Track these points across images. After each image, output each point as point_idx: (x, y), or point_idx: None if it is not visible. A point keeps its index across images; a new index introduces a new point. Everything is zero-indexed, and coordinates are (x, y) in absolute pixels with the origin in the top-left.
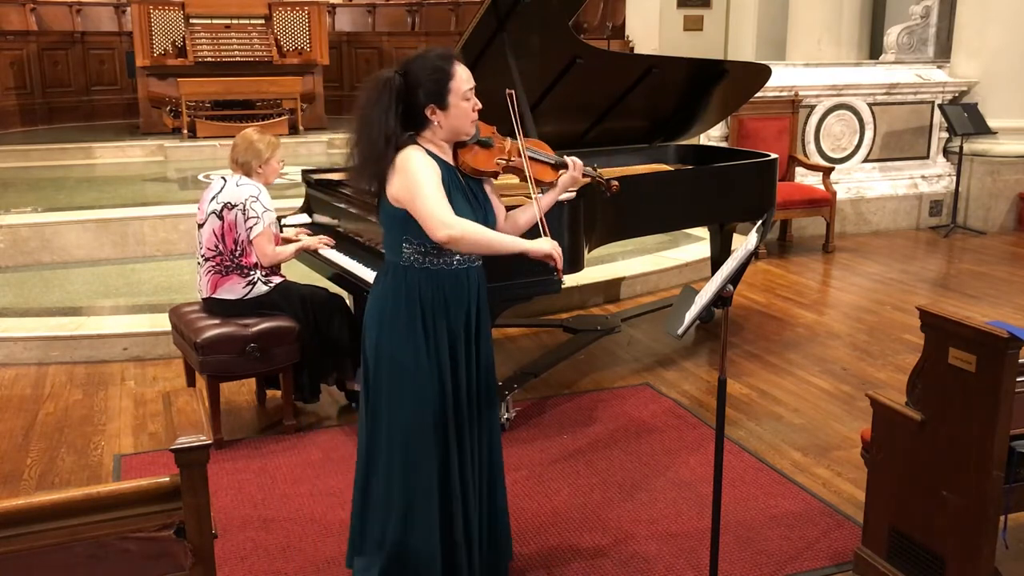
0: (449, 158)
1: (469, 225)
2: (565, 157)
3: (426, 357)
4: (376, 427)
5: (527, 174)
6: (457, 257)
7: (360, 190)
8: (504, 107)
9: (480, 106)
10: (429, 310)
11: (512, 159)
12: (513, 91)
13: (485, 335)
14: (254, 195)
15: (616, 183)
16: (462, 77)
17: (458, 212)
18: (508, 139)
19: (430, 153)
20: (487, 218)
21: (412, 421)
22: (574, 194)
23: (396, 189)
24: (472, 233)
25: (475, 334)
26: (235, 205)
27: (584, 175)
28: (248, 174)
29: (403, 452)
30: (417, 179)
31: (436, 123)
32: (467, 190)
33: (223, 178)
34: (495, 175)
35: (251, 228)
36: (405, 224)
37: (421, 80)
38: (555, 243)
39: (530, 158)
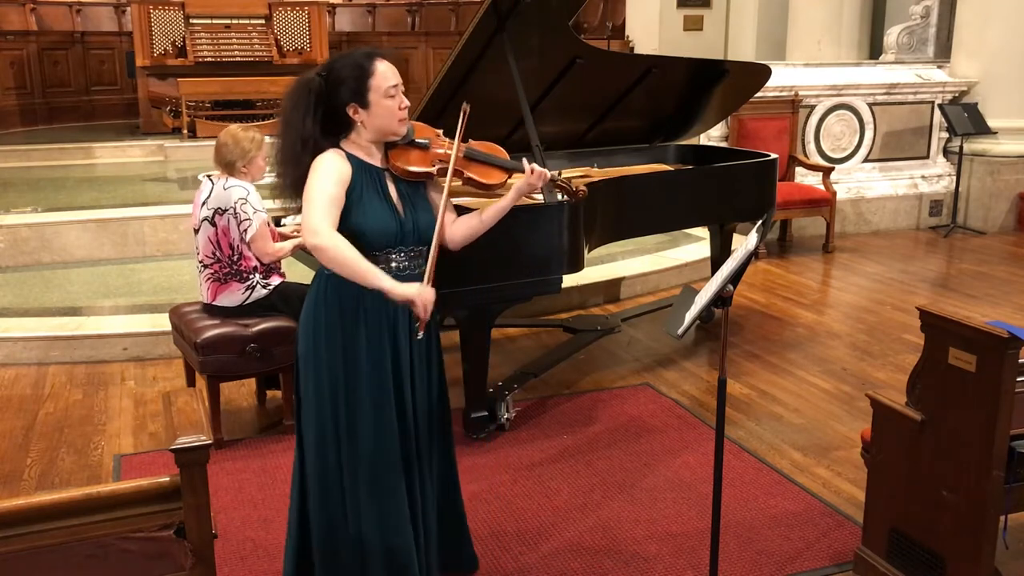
0: (376, 160)
1: (339, 241)
2: (525, 163)
3: (342, 372)
4: (298, 436)
5: (449, 172)
6: (382, 267)
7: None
8: (501, 108)
9: (407, 104)
10: (351, 320)
11: (446, 162)
12: (468, 106)
13: (425, 353)
14: (243, 197)
15: (584, 189)
16: (384, 74)
17: (367, 212)
18: (448, 140)
19: (350, 156)
20: (418, 221)
21: (316, 440)
22: None
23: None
24: (336, 249)
25: (410, 352)
26: (226, 210)
27: (552, 181)
28: (232, 174)
29: (312, 478)
30: (311, 183)
31: (359, 123)
32: (388, 191)
33: (210, 179)
34: (429, 176)
35: (245, 231)
36: None
37: (342, 79)
38: (424, 291)
39: (477, 160)
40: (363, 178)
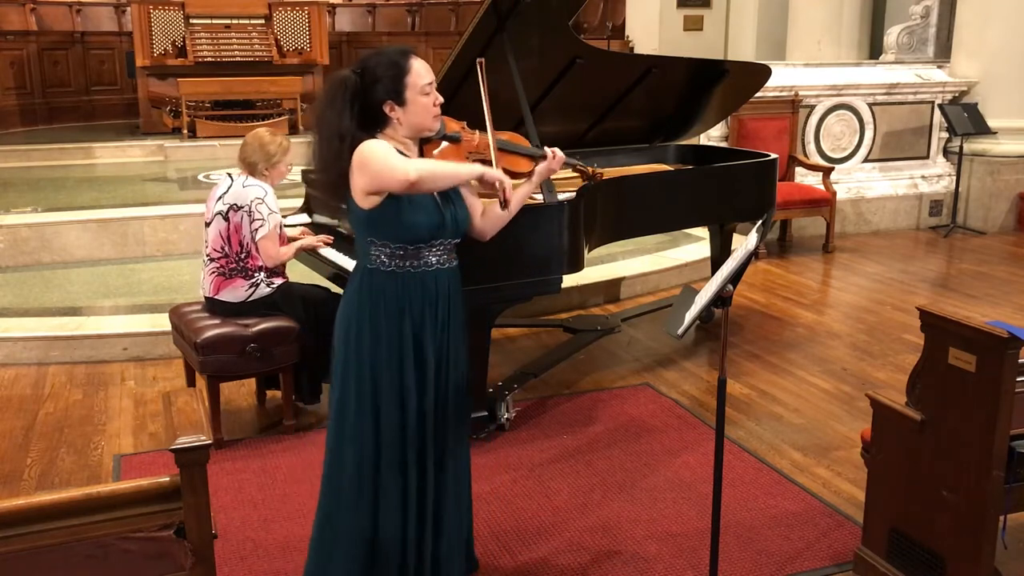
0: (413, 154)
1: (422, 163)
2: (545, 148)
3: (386, 367)
4: (330, 434)
5: (492, 165)
6: (424, 260)
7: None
8: (501, 108)
9: (441, 100)
10: (395, 315)
11: (482, 152)
12: (483, 59)
13: (456, 344)
14: (260, 197)
15: (600, 171)
16: (419, 72)
17: (417, 206)
18: (478, 133)
19: None
20: (456, 215)
21: (361, 438)
22: (574, 194)
23: (356, 181)
24: (429, 168)
25: (447, 343)
26: (241, 207)
27: (567, 165)
28: (253, 174)
29: (337, 476)
30: (369, 156)
31: (395, 120)
32: None
33: (230, 176)
34: None
35: (256, 230)
36: (369, 224)
37: (378, 76)
38: (499, 172)
39: (505, 150)
40: None
